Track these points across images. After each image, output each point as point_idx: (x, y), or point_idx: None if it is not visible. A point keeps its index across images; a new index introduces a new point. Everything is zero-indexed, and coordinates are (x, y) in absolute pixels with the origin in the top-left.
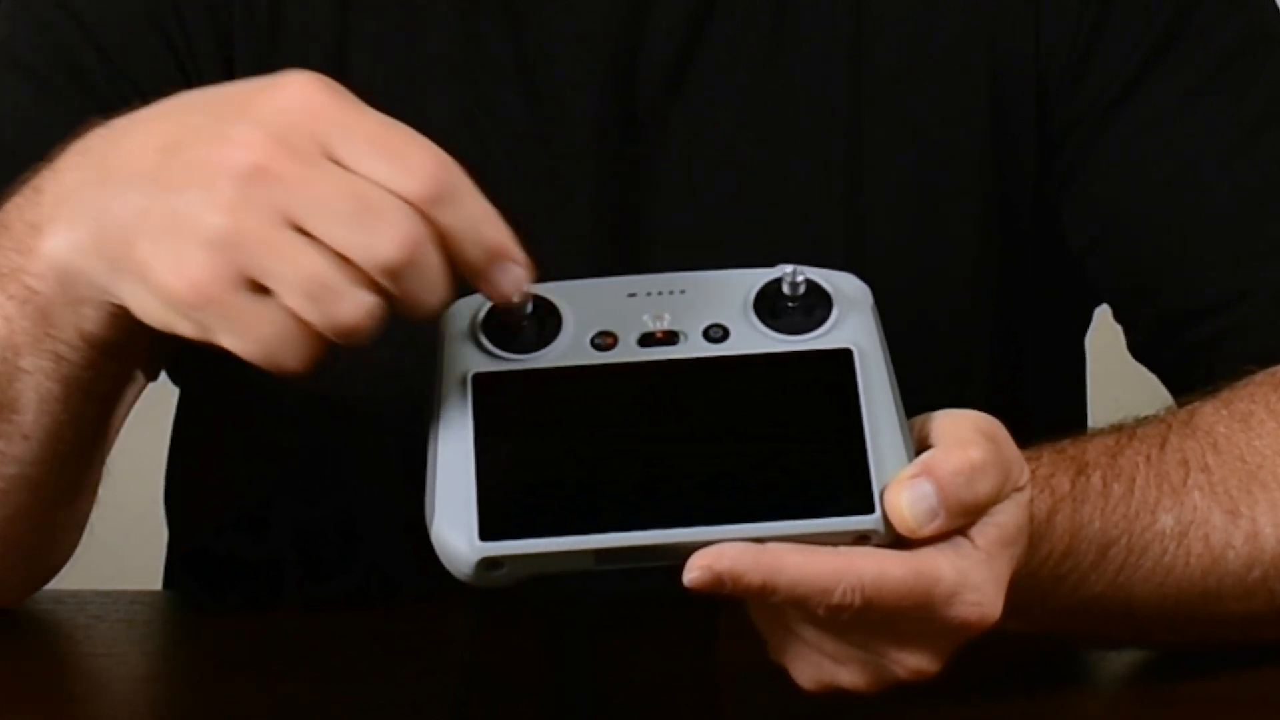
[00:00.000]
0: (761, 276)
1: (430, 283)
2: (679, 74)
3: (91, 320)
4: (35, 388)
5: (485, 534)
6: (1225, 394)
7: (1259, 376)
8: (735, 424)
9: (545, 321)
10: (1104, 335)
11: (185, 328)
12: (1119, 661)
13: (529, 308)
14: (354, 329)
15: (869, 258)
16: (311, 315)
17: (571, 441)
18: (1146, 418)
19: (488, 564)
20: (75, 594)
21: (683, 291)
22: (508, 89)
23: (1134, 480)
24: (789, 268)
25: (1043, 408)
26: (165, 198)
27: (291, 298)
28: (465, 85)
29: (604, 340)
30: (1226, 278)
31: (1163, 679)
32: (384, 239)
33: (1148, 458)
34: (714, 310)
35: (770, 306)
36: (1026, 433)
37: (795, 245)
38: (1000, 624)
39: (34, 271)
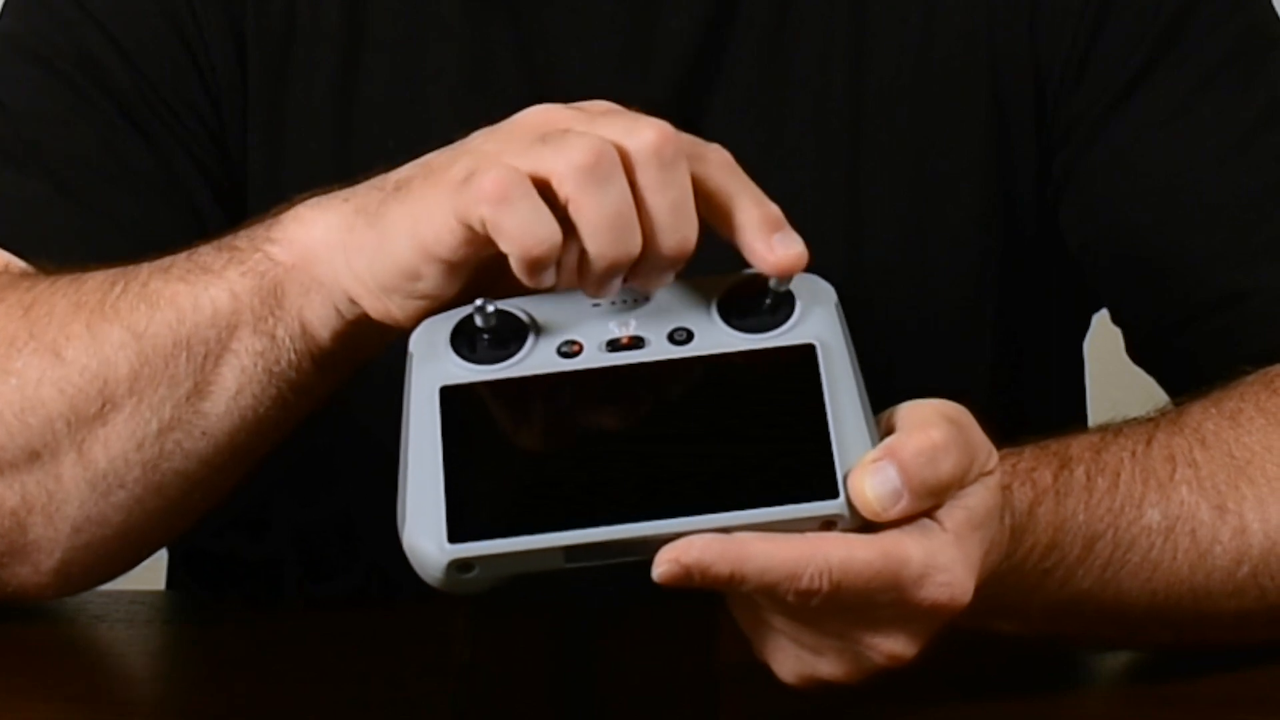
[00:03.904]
0: (724, 280)
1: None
2: (687, 79)
3: (317, 313)
4: (238, 372)
5: (454, 536)
6: (1216, 393)
7: (1251, 376)
8: (701, 419)
9: (512, 334)
10: (1103, 339)
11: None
12: (1118, 661)
13: (495, 321)
14: None
15: (869, 258)
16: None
17: (538, 444)
18: (1135, 417)
19: (458, 566)
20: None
21: (646, 298)
22: (515, 96)
23: (1119, 475)
24: (751, 270)
25: (1043, 410)
26: (441, 172)
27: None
28: (473, 92)
29: (570, 348)
30: (1224, 279)
31: (1162, 679)
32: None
33: (1133, 453)
34: (678, 314)
35: (734, 308)
36: (1026, 434)
37: None
38: (994, 626)
39: (279, 239)
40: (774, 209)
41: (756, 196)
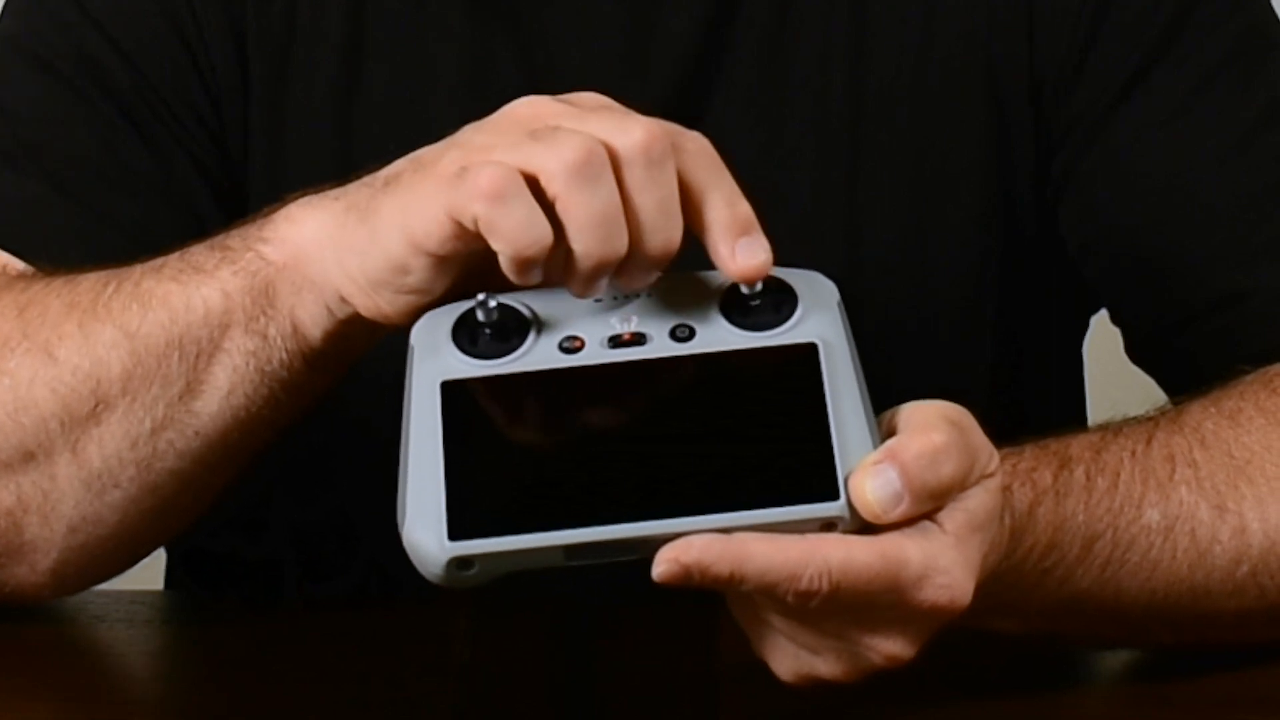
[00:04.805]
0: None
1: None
2: (687, 79)
3: (309, 312)
4: (230, 371)
5: (454, 534)
6: (1215, 393)
7: (1250, 376)
8: (702, 418)
9: (513, 329)
10: (1104, 339)
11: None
12: (1118, 661)
13: (496, 315)
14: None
15: (869, 258)
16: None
17: (539, 440)
18: (1135, 417)
19: (458, 563)
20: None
21: (649, 294)
22: (515, 96)
23: (1118, 475)
24: None
25: (1043, 410)
26: (431, 166)
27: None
28: (473, 92)
29: (572, 344)
30: (1223, 279)
31: (1162, 679)
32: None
33: (1133, 453)
34: (680, 311)
35: (736, 305)
36: (1026, 434)
37: (795, 247)
38: (993, 625)
39: (271, 238)
40: (744, 210)
41: (729, 194)
